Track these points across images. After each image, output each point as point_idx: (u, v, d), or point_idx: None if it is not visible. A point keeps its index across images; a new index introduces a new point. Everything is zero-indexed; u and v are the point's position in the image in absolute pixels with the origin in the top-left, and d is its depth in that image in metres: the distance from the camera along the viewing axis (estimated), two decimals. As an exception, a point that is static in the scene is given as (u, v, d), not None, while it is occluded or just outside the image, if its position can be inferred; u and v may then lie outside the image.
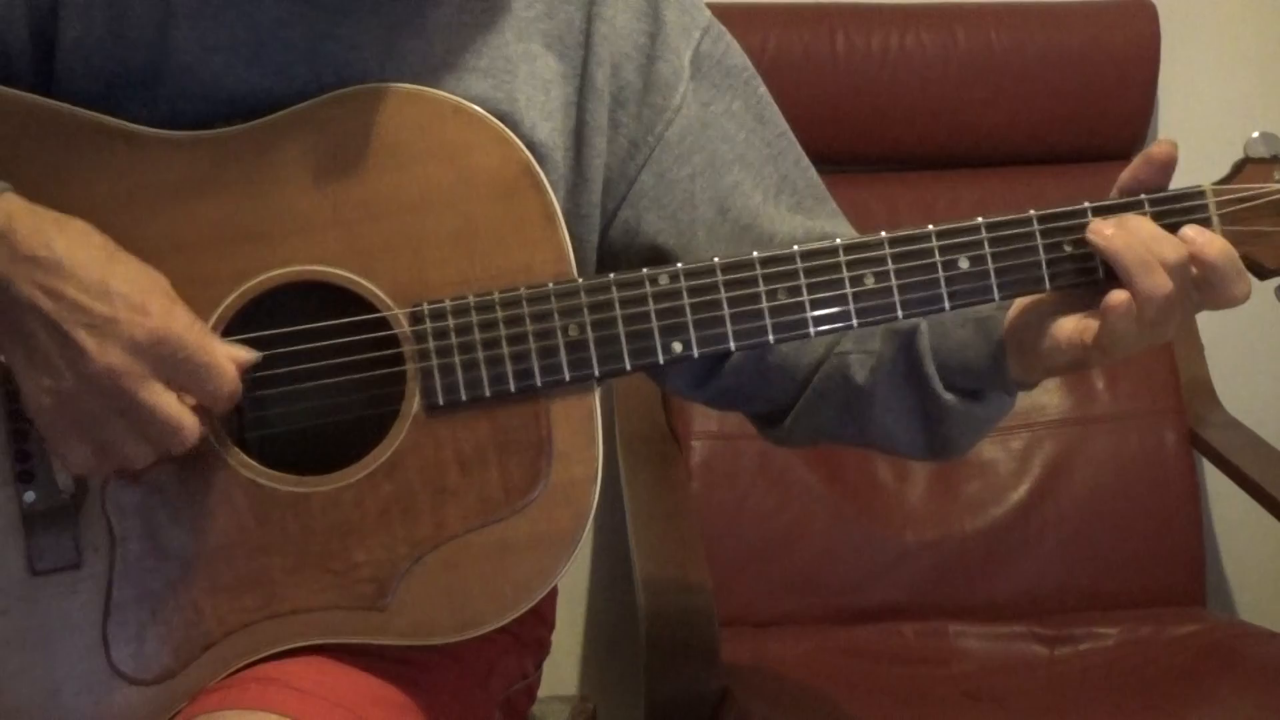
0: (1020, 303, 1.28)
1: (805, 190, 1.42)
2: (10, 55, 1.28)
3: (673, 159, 1.37)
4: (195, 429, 1.18)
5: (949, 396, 1.32)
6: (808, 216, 1.40)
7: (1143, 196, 1.25)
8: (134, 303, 1.16)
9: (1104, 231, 1.22)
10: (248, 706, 1.19)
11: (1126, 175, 1.27)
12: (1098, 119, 2.47)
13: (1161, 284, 1.20)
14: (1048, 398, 2.39)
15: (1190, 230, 1.23)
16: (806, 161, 1.43)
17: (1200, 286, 1.22)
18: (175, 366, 1.17)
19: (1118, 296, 1.20)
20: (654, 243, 1.37)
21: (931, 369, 1.32)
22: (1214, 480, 2.46)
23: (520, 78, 1.32)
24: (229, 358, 1.20)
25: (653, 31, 1.37)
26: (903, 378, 1.34)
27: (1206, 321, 2.48)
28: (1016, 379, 1.30)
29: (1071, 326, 1.23)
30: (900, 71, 2.41)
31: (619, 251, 1.38)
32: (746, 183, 1.39)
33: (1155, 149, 1.26)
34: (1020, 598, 2.31)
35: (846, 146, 2.45)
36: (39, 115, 1.24)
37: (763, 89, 1.43)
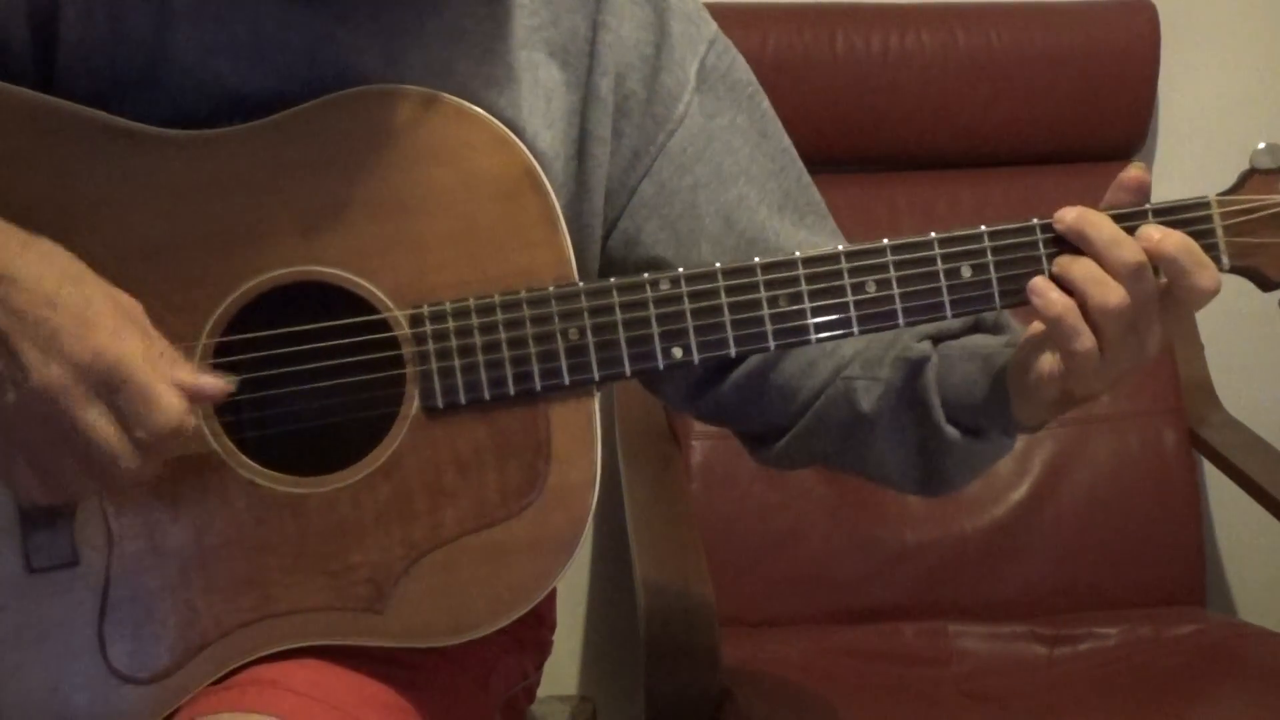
0: (1023, 340, 1.27)
1: (807, 207, 1.41)
2: (11, 53, 1.28)
3: (674, 169, 1.37)
4: (134, 463, 1.14)
5: (951, 431, 1.31)
6: (811, 233, 1.40)
7: (1148, 207, 1.24)
8: (81, 317, 1.12)
9: (1062, 259, 1.22)
10: (244, 709, 1.18)
11: (1106, 201, 1.26)
12: (1098, 119, 2.47)
13: (1112, 293, 1.19)
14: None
15: (1146, 229, 1.22)
16: (808, 178, 1.43)
17: (1167, 287, 1.21)
18: (115, 391, 1.12)
19: (1042, 287, 1.21)
20: (653, 253, 1.36)
21: (936, 401, 1.31)
22: (1214, 480, 2.47)
23: (523, 85, 1.32)
24: (188, 388, 1.15)
25: (658, 42, 1.37)
26: (906, 408, 1.33)
27: (1206, 321, 2.49)
28: (1019, 420, 1.29)
29: (1051, 359, 1.23)
30: (900, 71, 2.41)
31: (618, 261, 1.37)
32: (751, 196, 1.38)
33: (1125, 175, 1.25)
34: (1020, 598, 2.31)
35: (846, 146, 2.45)
36: (41, 113, 1.24)
37: (766, 104, 1.42)
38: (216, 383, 1.18)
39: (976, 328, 1.35)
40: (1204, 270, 1.21)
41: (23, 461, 1.15)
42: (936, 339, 1.34)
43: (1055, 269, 1.22)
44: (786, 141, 1.43)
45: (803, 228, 1.40)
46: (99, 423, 1.13)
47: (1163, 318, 1.22)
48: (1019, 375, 1.26)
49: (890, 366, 1.34)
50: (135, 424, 1.14)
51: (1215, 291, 1.22)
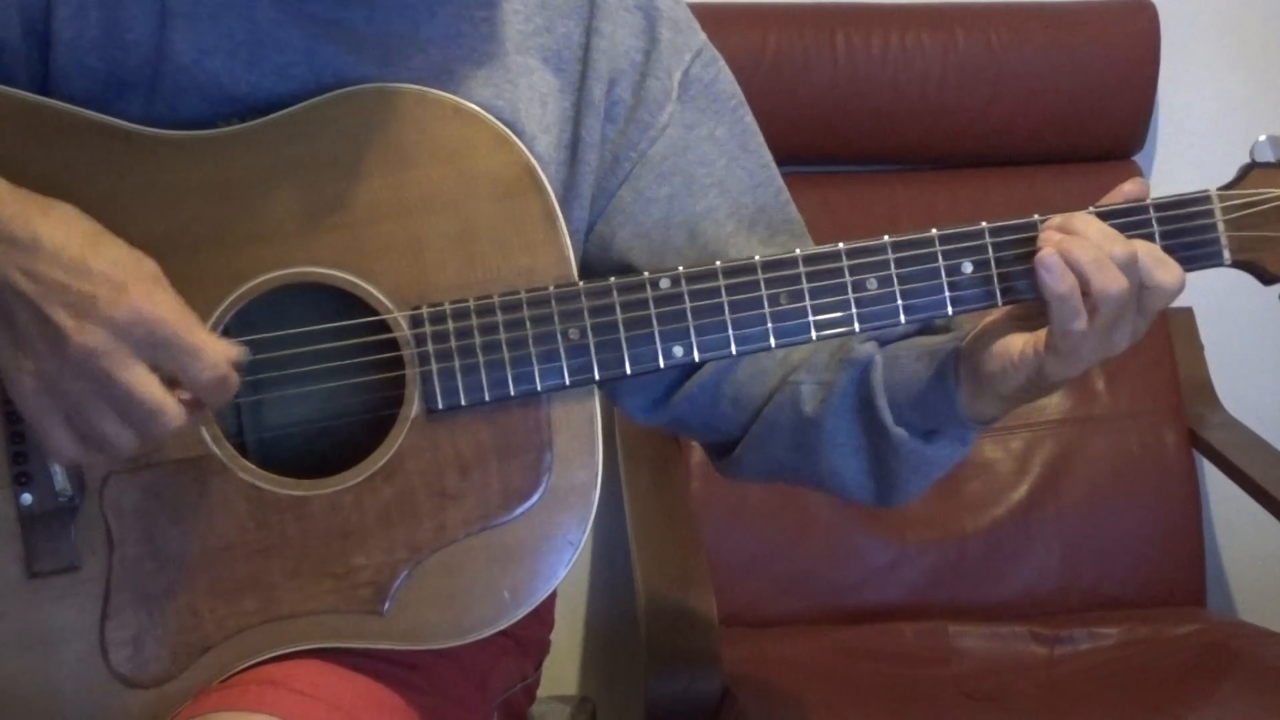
0: (974, 333, 1.27)
1: (781, 225, 1.41)
2: (5, 53, 1.28)
3: (652, 178, 1.37)
4: (177, 413, 1.15)
5: (898, 430, 1.31)
6: (780, 251, 1.39)
7: (1148, 202, 1.24)
8: (114, 281, 1.14)
9: (1053, 238, 1.21)
10: (246, 708, 1.18)
11: (1107, 199, 1.26)
12: (1098, 119, 2.46)
13: (1114, 280, 1.19)
14: (1047, 398, 2.38)
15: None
16: (787, 196, 1.43)
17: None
18: (156, 348, 1.14)
19: (1057, 264, 1.20)
20: (626, 260, 1.36)
21: (883, 401, 1.31)
22: (1214, 480, 2.46)
23: (520, 89, 1.32)
24: (217, 347, 1.17)
25: (647, 49, 1.37)
26: (854, 411, 1.33)
27: (1206, 321, 2.49)
28: (972, 413, 1.29)
29: (1024, 340, 1.23)
30: (900, 71, 2.40)
31: (592, 265, 1.37)
32: (721, 210, 1.38)
33: (1124, 186, 1.26)
34: (1020, 598, 2.31)
35: (846, 146, 2.45)
36: (39, 114, 1.24)
37: (749, 118, 1.42)
38: (233, 346, 1.19)
39: (924, 329, 1.35)
40: (1166, 266, 1.22)
41: (61, 421, 1.16)
42: (883, 341, 1.34)
43: (1058, 248, 1.21)
44: (768, 157, 1.43)
45: (772, 245, 1.39)
46: (144, 379, 1.14)
47: (1134, 317, 1.23)
48: (976, 365, 1.26)
49: (833, 369, 1.34)
50: (181, 377, 1.16)
51: (1180, 288, 1.22)
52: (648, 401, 1.42)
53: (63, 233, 1.15)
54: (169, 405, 1.15)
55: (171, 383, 1.15)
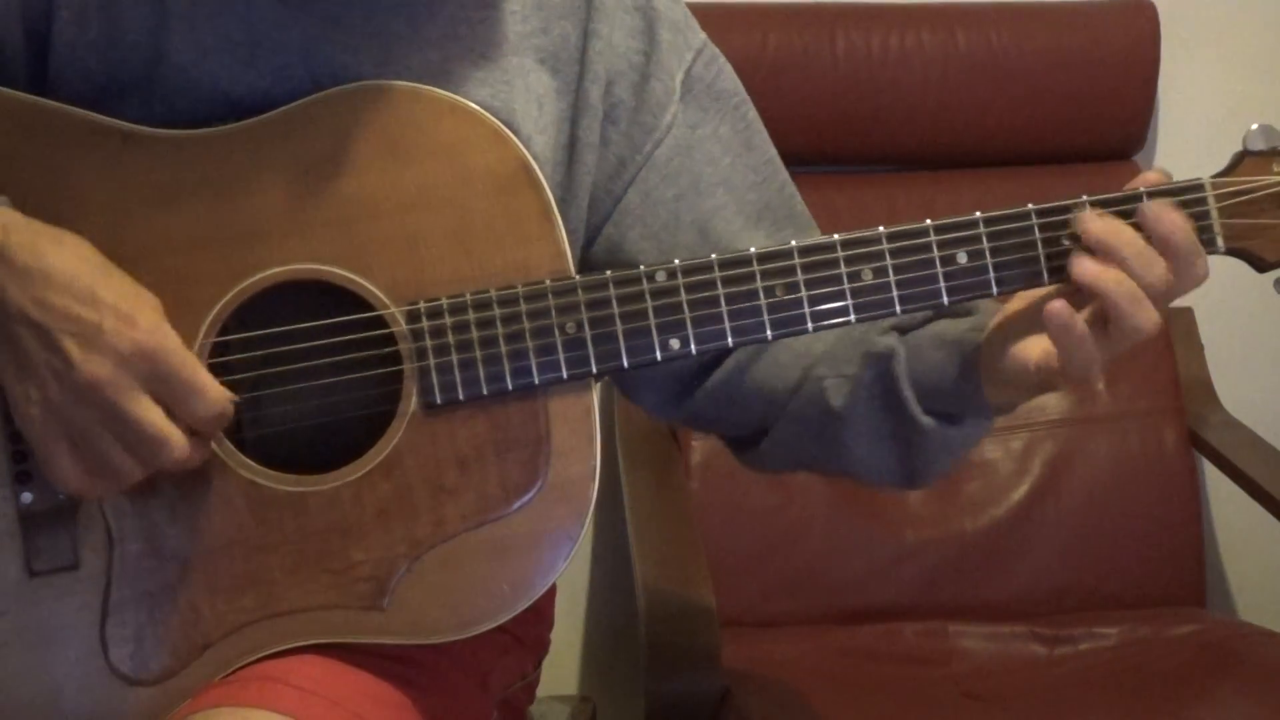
0: (994, 323, 1.27)
1: (787, 219, 1.41)
2: (4, 55, 1.28)
3: (659, 179, 1.37)
4: (182, 445, 1.17)
5: (927, 420, 1.31)
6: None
7: (1142, 190, 1.24)
8: (121, 313, 1.16)
9: (1090, 267, 1.21)
10: (247, 704, 1.18)
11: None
12: (1098, 119, 2.47)
13: (1150, 317, 1.20)
14: (1047, 398, 2.38)
15: (1151, 207, 1.22)
16: (793, 189, 1.43)
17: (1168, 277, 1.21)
18: (161, 381, 1.16)
19: (1066, 317, 1.19)
20: (635, 261, 1.35)
21: (909, 393, 1.31)
22: (1214, 480, 2.47)
23: (516, 90, 1.33)
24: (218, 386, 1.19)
25: (647, 50, 1.37)
26: (880, 402, 1.33)
27: (1206, 321, 2.49)
28: (993, 403, 1.29)
29: (1041, 350, 1.23)
30: (900, 71, 2.41)
31: (599, 267, 1.36)
32: (729, 207, 1.39)
33: (1153, 176, 1.26)
34: (1020, 598, 2.31)
35: (846, 146, 2.45)
36: (35, 115, 1.24)
37: (753, 114, 1.43)
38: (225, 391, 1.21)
39: (940, 313, 1.35)
40: (1200, 259, 1.22)
41: (66, 449, 1.17)
42: (903, 330, 1.35)
43: (1091, 281, 1.21)
44: (772, 153, 1.43)
45: (777, 240, 1.39)
46: (148, 411, 1.16)
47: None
48: (994, 361, 1.26)
49: (856, 362, 1.34)
50: (183, 410, 1.17)
51: (1204, 279, 1.22)
52: (668, 398, 1.42)
53: (74, 264, 1.16)
54: (174, 436, 1.17)
55: (170, 414, 1.17)
